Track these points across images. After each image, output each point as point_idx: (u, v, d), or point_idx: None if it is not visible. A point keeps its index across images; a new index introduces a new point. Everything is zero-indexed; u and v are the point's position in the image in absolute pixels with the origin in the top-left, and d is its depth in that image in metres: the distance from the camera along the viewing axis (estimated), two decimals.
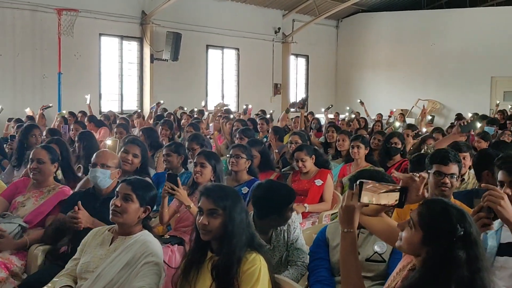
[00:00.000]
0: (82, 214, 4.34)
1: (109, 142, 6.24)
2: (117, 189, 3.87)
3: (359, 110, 17.41)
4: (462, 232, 2.53)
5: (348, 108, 17.39)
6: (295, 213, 4.54)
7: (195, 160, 5.52)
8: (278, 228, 4.26)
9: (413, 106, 22.71)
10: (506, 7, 22.75)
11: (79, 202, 4.45)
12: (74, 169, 6.20)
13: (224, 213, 3.33)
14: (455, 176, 4.26)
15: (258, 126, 11.42)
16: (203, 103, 16.38)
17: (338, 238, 3.91)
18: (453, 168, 4.26)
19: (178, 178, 4.88)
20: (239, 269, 3.25)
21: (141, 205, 3.79)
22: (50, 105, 12.52)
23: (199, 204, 3.42)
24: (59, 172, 5.59)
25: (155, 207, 6.06)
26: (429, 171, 4.33)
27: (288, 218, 4.23)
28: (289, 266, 4.15)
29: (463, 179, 5.83)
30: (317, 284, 3.81)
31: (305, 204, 6.28)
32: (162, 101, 15.21)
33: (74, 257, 3.86)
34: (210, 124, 11.56)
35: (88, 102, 13.84)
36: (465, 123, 5.62)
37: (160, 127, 9.43)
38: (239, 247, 3.29)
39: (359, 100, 17.28)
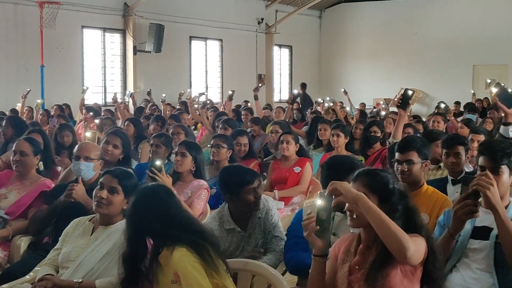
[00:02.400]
0: (79, 188, 4.47)
1: (88, 134, 6.25)
2: (101, 180, 3.91)
3: (343, 99, 17.48)
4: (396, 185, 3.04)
5: (328, 98, 17.42)
6: (272, 200, 4.58)
7: (176, 150, 5.59)
8: (255, 215, 4.31)
9: (396, 95, 22.74)
10: None
11: (80, 178, 4.64)
12: (54, 160, 6.24)
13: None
14: (412, 162, 4.35)
15: (242, 117, 11.49)
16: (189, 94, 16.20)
17: None
18: (410, 155, 4.37)
19: (162, 164, 4.92)
20: (155, 260, 3.26)
21: (125, 197, 3.85)
22: (28, 89, 12.42)
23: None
24: (41, 163, 5.63)
25: None
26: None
27: (249, 201, 4.23)
28: (267, 253, 4.20)
29: (440, 166, 5.93)
30: (295, 256, 3.91)
31: (275, 191, 6.37)
32: (131, 91, 15.15)
33: (55, 247, 3.92)
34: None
35: (84, 94, 13.75)
36: (400, 101, 5.72)
37: (154, 122, 9.37)
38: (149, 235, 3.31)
39: (343, 90, 17.31)
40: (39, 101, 12.16)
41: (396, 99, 5.96)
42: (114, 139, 5.88)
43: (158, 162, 4.92)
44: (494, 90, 5.39)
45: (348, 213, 2.99)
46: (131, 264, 3.26)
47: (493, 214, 3.19)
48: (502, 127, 5.73)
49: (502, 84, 5.97)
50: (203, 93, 15.05)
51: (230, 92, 11.97)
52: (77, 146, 5.17)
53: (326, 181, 4.00)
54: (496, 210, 3.15)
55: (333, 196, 2.95)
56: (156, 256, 3.26)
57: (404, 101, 5.75)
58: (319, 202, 2.93)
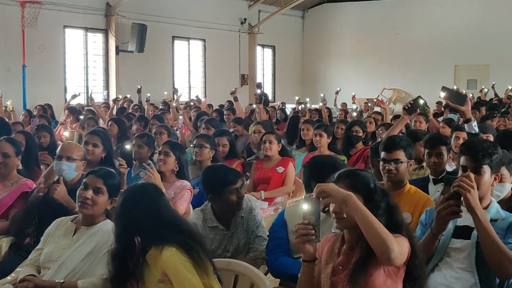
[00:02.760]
0: (60, 188, 4.46)
1: (66, 133, 6.23)
2: (85, 181, 3.89)
3: (329, 99, 17.51)
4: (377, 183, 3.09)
5: (322, 95, 17.43)
6: (255, 200, 4.58)
7: (159, 149, 5.59)
8: (238, 214, 4.32)
9: (378, 95, 22.89)
10: None
11: (61, 178, 4.62)
12: (37, 160, 6.21)
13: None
14: (400, 161, 4.39)
15: (224, 117, 11.48)
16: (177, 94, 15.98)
17: (295, 221, 4.02)
18: (397, 154, 4.42)
19: (132, 149, 5.11)
20: (142, 259, 3.28)
21: (109, 197, 3.85)
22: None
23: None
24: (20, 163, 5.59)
25: None
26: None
27: (232, 201, 4.24)
28: (250, 253, 4.21)
29: (422, 166, 5.96)
30: (277, 261, 3.91)
31: (261, 192, 6.38)
32: (119, 97, 15.03)
33: (37, 247, 3.90)
34: (180, 117, 11.56)
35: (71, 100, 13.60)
36: (409, 105, 5.74)
37: (137, 123, 9.34)
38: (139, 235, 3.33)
39: (338, 89, 17.31)
40: (8, 102, 12.01)
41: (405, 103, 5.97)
42: (93, 138, 5.84)
43: (128, 146, 4.95)
44: (443, 94, 5.44)
45: (334, 214, 3.00)
46: (120, 262, 3.27)
47: (472, 217, 3.20)
48: (465, 125, 5.78)
49: (455, 87, 6.05)
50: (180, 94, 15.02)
51: (195, 98, 11.93)
52: (60, 146, 5.14)
53: (309, 181, 4.05)
54: (475, 213, 3.16)
55: (321, 199, 2.95)
56: (143, 255, 3.27)
57: (412, 107, 5.76)
58: (306, 206, 2.90)
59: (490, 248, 3.18)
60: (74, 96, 12.95)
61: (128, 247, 3.28)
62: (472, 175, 3.21)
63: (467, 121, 5.51)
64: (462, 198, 3.19)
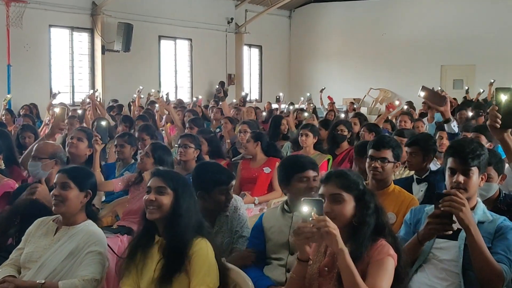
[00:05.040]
0: (42, 188, 4.41)
1: (57, 109, 6.15)
2: (55, 180, 3.88)
3: (315, 98, 17.53)
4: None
5: (308, 94, 17.47)
6: (241, 200, 4.57)
7: (146, 149, 5.61)
8: (222, 214, 4.30)
9: (365, 95, 23.01)
10: None
11: (43, 179, 4.57)
12: (17, 159, 6.16)
13: (174, 194, 3.43)
14: (387, 161, 4.40)
15: (211, 116, 11.47)
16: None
17: (272, 221, 4.03)
18: (385, 153, 4.44)
19: (107, 126, 5.22)
20: (188, 253, 3.31)
21: (80, 190, 3.80)
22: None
23: (148, 184, 3.51)
24: (1, 162, 5.55)
25: (104, 198, 6.14)
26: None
27: (220, 201, 4.23)
28: (233, 253, 4.18)
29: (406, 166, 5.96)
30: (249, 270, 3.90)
31: (256, 198, 6.36)
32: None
33: (18, 247, 3.87)
34: (164, 116, 11.52)
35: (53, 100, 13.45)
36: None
37: (122, 123, 9.30)
38: (188, 230, 3.37)
39: (323, 88, 17.35)
40: (9, 95, 11.97)
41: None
42: (79, 133, 5.83)
43: (103, 122, 4.96)
44: (422, 94, 5.44)
45: (324, 214, 3.00)
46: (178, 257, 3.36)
47: (466, 233, 3.18)
48: (445, 125, 5.78)
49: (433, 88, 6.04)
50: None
51: (195, 99, 11.84)
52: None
53: (283, 180, 4.15)
54: (469, 230, 3.14)
55: (323, 200, 2.98)
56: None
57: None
58: (305, 209, 2.86)
59: (481, 264, 3.17)
60: (54, 95, 12.84)
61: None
62: (460, 194, 3.18)
63: (447, 121, 5.53)
64: (453, 218, 3.18)
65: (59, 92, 13.36)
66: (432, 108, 6.48)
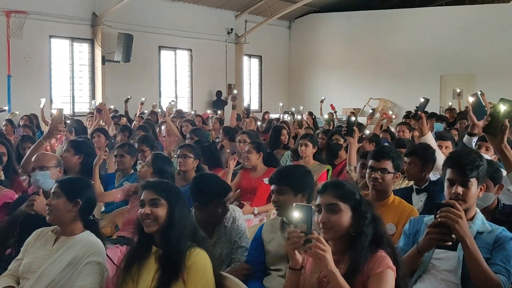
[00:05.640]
0: (40, 200, 4.40)
1: (54, 111, 6.16)
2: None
3: (315, 108, 17.54)
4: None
5: (301, 108, 17.46)
6: (239, 211, 4.56)
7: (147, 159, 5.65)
8: (221, 224, 4.30)
9: (365, 105, 22.98)
10: (455, 6, 23.22)
11: (40, 190, 4.59)
12: (17, 171, 6.16)
13: (168, 204, 3.42)
14: (387, 171, 4.40)
15: (211, 126, 11.47)
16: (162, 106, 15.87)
17: (272, 234, 4.03)
18: (385, 164, 4.43)
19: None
20: (186, 262, 3.31)
21: (69, 199, 3.78)
22: (5, 108, 12.23)
23: (141, 197, 3.49)
24: (1, 173, 5.55)
25: (103, 208, 6.14)
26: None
27: (217, 214, 4.24)
28: (232, 264, 4.18)
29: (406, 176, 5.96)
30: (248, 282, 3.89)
31: (255, 208, 6.35)
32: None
33: (17, 257, 3.86)
34: (163, 127, 11.51)
35: (42, 105, 13.48)
36: (346, 130, 5.84)
37: (121, 133, 9.32)
38: (184, 239, 3.37)
39: (322, 98, 17.39)
40: (16, 112, 12.01)
41: (343, 129, 6.00)
42: (70, 145, 5.86)
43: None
44: (471, 99, 5.44)
45: (321, 224, 3.01)
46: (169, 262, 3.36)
47: (462, 245, 3.18)
48: (466, 136, 5.76)
49: (479, 93, 6.02)
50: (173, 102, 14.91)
51: (193, 112, 11.79)
52: (33, 157, 5.12)
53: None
54: (465, 242, 3.14)
55: (313, 208, 2.97)
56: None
57: (349, 128, 5.78)
58: (297, 214, 2.87)
59: (479, 276, 3.17)
60: (40, 103, 12.82)
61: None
62: (458, 205, 3.18)
63: (472, 134, 5.51)
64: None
65: (44, 100, 13.32)
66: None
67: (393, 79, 23.25)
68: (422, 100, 5.71)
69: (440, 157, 5.17)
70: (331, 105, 16.78)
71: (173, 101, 13.48)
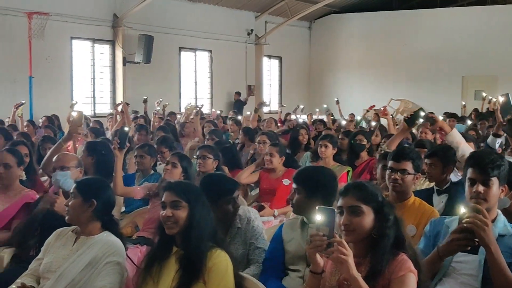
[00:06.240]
0: (60, 200, 4.44)
1: (74, 113, 6.20)
2: None
3: (334, 109, 17.52)
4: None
5: (325, 106, 17.44)
6: (255, 212, 4.54)
7: (167, 159, 5.62)
8: (234, 225, 4.29)
9: (385, 106, 22.84)
10: (476, 7, 23.06)
11: (60, 190, 4.61)
12: (36, 171, 6.21)
13: (189, 205, 3.41)
14: (407, 172, 4.36)
15: (229, 127, 11.48)
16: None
17: (292, 233, 4.00)
18: (405, 165, 4.40)
19: (127, 133, 5.23)
20: (207, 263, 3.31)
21: (84, 200, 3.80)
22: (23, 101, 12.27)
23: (162, 199, 3.49)
24: (23, 173, 5.58)
25: (123, 208, 6.17)
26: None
27: (228, 211, 4.22)
28: (251, 265, 4.17)
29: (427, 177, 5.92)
30: (268, 281, 3.88)
31: (275, 210, 6.33)
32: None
33: (37, 257, 3.88)
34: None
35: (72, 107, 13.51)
36: (409, 117, 5.71)
37: (137, 133, 9.36)
38: (204, 241, 3.36)
39: (336, 99, 17.36)
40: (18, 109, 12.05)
41: (404, 114, 5.95)
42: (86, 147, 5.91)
43: (125, 128, 5.05)
44: (501, 99, 5.40)
45: (343, 226, 2.99)
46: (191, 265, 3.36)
47: (486, 252, 3.15)
48: (491, 137, 5.72)
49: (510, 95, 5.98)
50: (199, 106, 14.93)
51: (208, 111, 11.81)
52: (54, 158, 5.16)
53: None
54: (489, 249, 3.11)
55: (336, 210, 2.94)
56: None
57: (413, 118, 5.74)
58: (319, 217, 2.84)
59: (501, 281, 3.14)
60: (72, 105, 12.91)
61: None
62: (485, 212, 3.15)
63: (497, 135, 5.46)
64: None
65: (76, 102, 13.46)
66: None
67: (414, 80, 23.12)
68: (422, 113, 5.70)
69: (469, 150, 5.14)
70: (371, 107, 16.71)
71: (192, 104, 13.52)
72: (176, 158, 5.52)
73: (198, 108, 11.94)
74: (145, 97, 14.98)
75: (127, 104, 12.02)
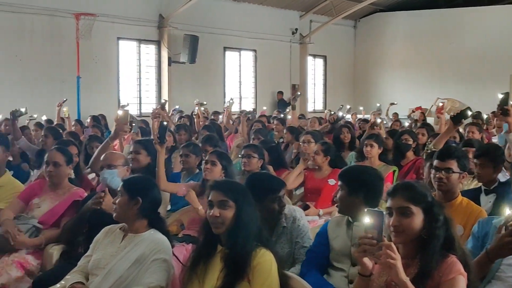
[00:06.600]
0: (107, 198, 4.52)
1: (120, 112, 6.28)
2: None
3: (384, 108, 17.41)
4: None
5: (378, 105, 17.31)
6: (301, 211, 4.54)
7: (206, 158, 5.63)
8: (280, 224, 4.29)
9: (432, 105, 22.59)
10: None
11: (107, 189, 4.68)
12: (84, 169, 6.31)
13: (236, 205, 3.41)
14: (451, 171, 4.31)
15: (274, 127, 11.47)
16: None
17: (338, 231, 3.98)
18: (450, 163, 4.36)
19: (166, 127, 5.31)
20: (252, 262, 3.31)
21: (130, 198, 3.86)
22: (64, 99, 12.45)
23: (209, 198, 3.49)
24: (72, 171, 5.67)
25: (169, 207, 6.22)
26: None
27: (273, 209, 4.22)
28: (296, 264, 4.17)
29: (475, 177, 5.83)
30: (309, 272, 3.89)
31: (320, 210, 6.31)
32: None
33: (86, 254, 3.96)
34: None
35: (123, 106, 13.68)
36: (455, 115, 5.63)
37: (177, 133, 9.43)
38: (250, 240, 3.36)
39: (396, 103, 17.20)
40: (64, 109, 12.25)
41: (451, 112, 5.88)
42: (136, 146, 5.94)
43: (164, 122, 5.10)
44: (500, 96, 5.32)
45: (392, 228, 2.97)
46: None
47: None
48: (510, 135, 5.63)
49: None
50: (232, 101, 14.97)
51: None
52: (102, 156, 5.23)
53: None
54: None
55: (384, 213, 2.91)
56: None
57: (459, 116, 5.67)
58: (368, 220, 2.82)
59: None
60: (123, 106, 13.07)
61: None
62: None
63: None
64: None
65: (128, 104, 13.62)
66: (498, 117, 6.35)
67: (461, 79, 22.80)
68: (501, 96, 5.57)
69: None
70: (417, 108, 16.58)
71: (232, 99, 13.53)
72: (214, 156, 5.52)
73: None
74: (165, 100, 15.04)
75: (165, 101, 12.02)
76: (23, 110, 8.75)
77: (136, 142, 6.13)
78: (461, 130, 9.94)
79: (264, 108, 16.43)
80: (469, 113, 5.69)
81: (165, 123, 5.32)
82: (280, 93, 21.67)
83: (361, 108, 17.06)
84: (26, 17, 15.05)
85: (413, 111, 16.83)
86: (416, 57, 24.00)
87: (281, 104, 20.94)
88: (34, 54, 15.28)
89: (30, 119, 11.85)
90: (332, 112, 14.20)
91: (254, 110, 14.30)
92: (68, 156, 5.32)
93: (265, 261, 3.32)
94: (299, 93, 12.26)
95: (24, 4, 14.79)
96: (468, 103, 21.92)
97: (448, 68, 23.17)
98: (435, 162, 4.44)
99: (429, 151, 5.84)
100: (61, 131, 9.13)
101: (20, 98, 14.59)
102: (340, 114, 12.50)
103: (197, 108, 13.62)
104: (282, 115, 14.24)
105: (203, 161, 6.38)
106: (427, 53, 23.69)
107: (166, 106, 14.86)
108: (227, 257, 3.37)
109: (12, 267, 4.57)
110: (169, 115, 13.60)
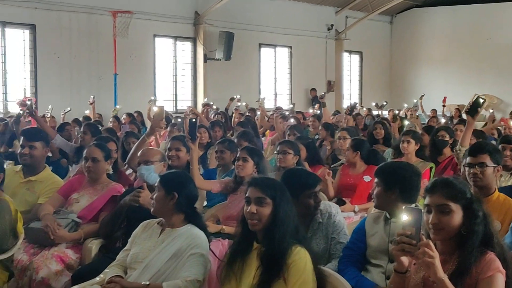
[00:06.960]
0: (145, 194, 4.57)
1: (155, 108, 6.34)
2: None
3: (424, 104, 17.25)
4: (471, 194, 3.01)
5: (415, 101, 17.21)
6: (336, 207, 4.53)
7: (238, 155, 5.64)
8: (315, 220, 4.29)
9: (469, 102, 22.32)
10: None
11: (144, 184, 4.75)
12: (121, 165, 6.38)
13: (273, 202, 3.42)
14: (485, 165, 4.28)
15: (309, 124, 11.45)
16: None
17: (376, 227, 3.97)
18: (482, 158, 4.33)
19: (195, 124, 5.32)
20: (287, 260, 3.31)
21: (167, 193, 3.91)
22: (92, 96, 12.59)
23: (247, 194, 3.51)
24: (110, 167, 5.74)
25: (205, 203, 6.26)
26: None
27: (309, 205, 4.23)
28: (332, 260, 4.17)
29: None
30: (347, 269, 3.89)
31: (355, 206, 6.29)
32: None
33: (124, 248, 4.02)
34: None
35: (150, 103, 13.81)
36: (469, 108, 5.56)
37: (211, 130, 9.47)
38: (287, 238, 3.36)
39: (422, 94, 17.06)
40: (118, 107, 12.42)
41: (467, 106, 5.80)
42: (175, 143, 5.97)
43: (193, 120, 5.15)
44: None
45: (431, 225, 2.95)
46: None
47: None
48: None
49: None
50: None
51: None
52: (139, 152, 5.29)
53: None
54: None
55: (423, 210, 2.89)
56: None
57: (473, 108, 5.60)
58: (405, 217, 2.80)
59: None
60: (151, 101, 13.16)
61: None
62: None
63: None
64: None
65: (155, 98, 13.74)
66: None
67: (499, 75, 22.47)
68: (480, 99, 5.52)
69: None
70: (444, 99, 16.42)
71: (262, 97, 13.58)
72: (245, 153, 5.51)
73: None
74: (206, 100, 15.10)
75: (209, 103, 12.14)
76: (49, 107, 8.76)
77: (174, 138, 6.16)
78: (500, 128, 9.83)
79: (289, 105, 16.35)
80: (481, 100, 5.61)
81: (193, 120, 5.34)
82: (314, 90, 21.60)
83: (405, 105, 16.93)
84: (64, 15, 15.26)
85: (443, 106, 16.60)
86: (453, 52, 23.71)
87: (315, 101, 20.87)
88: (71, 51, 15.50)
89: (65, 113, 12.08)
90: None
91: (294, 104, 14.27)
92: (106, 152, 5.39)
93: (300, 258, 3.32)
94: (323, 93, 12.19)
95: (62, 2, 15.00)
96: (506, 99, 21.71)
97: (486, 63, 22.85)
98: (468, 159, 4.41)
99: (458, 151, 5.77)
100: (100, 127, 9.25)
101: (57, 95, 14.84)
102: (353, 102, 12.42)
103: (239, 103, 13.71)
104: (310, 111, 14.25)
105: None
106: (464, 48, 23.40)
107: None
108: (263, 255, 3.38)
109: (52, 261, 4.64)
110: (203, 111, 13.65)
